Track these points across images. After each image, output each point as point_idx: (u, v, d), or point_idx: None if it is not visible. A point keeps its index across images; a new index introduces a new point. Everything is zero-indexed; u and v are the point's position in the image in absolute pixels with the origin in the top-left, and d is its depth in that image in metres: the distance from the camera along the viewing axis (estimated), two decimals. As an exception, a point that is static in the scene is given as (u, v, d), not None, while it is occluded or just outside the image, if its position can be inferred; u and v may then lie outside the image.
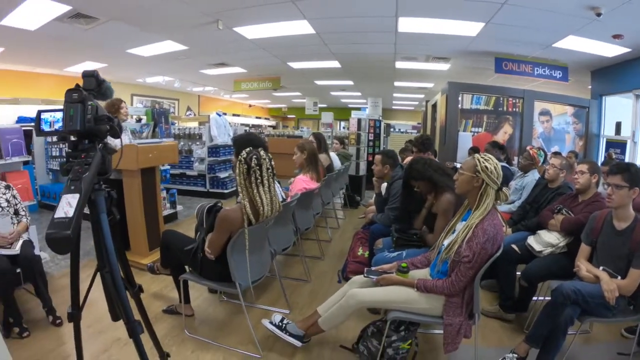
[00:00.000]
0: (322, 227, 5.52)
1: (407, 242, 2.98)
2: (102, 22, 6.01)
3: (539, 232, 3.10)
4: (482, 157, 2.15)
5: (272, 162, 2.57)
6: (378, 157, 3.88)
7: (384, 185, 3.86)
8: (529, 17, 5.22)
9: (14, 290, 2.76)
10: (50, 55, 8.47)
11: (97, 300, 1.59)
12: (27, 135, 6.52)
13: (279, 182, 3.46)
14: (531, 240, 3.06)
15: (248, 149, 2.52)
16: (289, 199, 3.48)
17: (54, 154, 6.77)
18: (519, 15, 5.16)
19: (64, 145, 6.49)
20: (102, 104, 1.59)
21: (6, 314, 2.69)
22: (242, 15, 5.79)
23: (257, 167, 2.46)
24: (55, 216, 1.19)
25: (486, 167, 2.10)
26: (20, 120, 8.52)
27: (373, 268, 2.45)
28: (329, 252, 4.80)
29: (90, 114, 1.42)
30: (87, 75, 1.49)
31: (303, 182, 4.01)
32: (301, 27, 6.23)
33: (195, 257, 2.66)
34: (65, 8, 5.40)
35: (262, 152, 2.53)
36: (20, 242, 2.98)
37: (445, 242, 2.25)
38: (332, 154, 5.99)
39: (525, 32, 5.86)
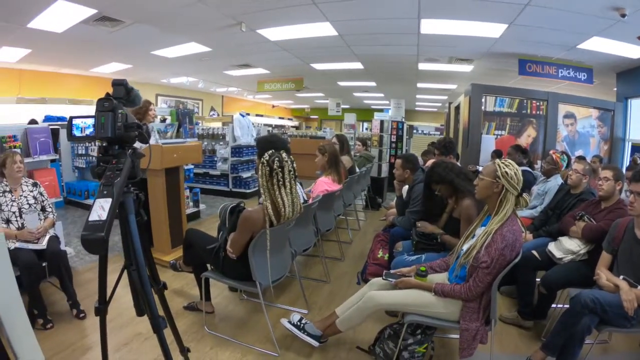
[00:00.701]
0: (343, 229, 5.54)
1: (426, 246, 2.98)
2: (127, 24, 6.14)
3: (560, 238, 3.06)
4: (502, 163, 2.15)
5: (294, 165, 2.63)
6: (399, 161, 3.88)
7: (405, 188, 3.88)
8: (553, 18, 5.15)
9: (40, 283, 2.87)
10: (77, 57, 8.64)
11: (119, 296, 1.66)
12: (54, 133, 6.76)
13: (300, 184, 3.50)
14: (552, 247, 3.02)
15: (271, 151, 2.56)
16: (310, 201, 3.52)
17: (79, 152, 6.97)
18: (543, 17, 5.09)
19: (89, 144, 6.67)
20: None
21: (31, 305, 2.78)
22: (265, 18, 5.84)
23: (280, 170, 2.50)
24: (90, 219, 1.27)
25: (506, 172, 2.10)
26: (47, 119, 8.70)
27: (392, 271, 2.48)
28: (349, 253, 4.83)
29: (120, 121, 1.49)
30: (116, 84, 1.56)
31: (324, 184, 4.05)
32: (324, 29, 6.26)
33: (217, 255, 2.72)
34: (91, 11, 5.53)
35: (284, 155, 2.57)
36: (47, 237, 3.11)
37: (464, 247, 2.25)
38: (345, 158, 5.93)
39: (548, 34, 5.77)
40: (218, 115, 16.41)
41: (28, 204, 3.17)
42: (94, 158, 6.56)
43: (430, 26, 5.85)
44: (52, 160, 6.59)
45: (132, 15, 5.82)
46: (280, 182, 2.52)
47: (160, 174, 4.09)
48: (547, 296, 2.92)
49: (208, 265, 2.94)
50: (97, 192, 1.35)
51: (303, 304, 3.36)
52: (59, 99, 9.91)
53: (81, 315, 2.95)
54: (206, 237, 3.03)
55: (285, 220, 2.62)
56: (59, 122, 8.53)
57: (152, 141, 4.42)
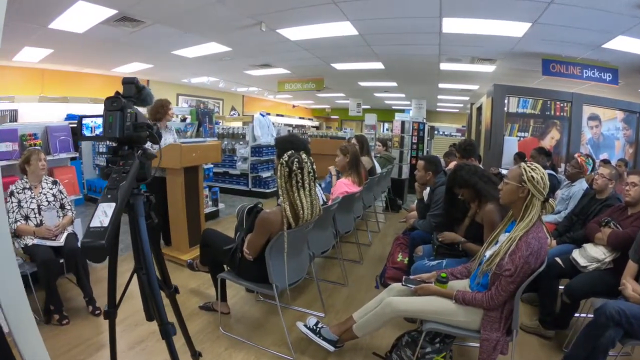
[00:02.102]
0: (363, 231, 5.47)
1: (447, 251, 2.92)
2: (147, 25, 6.21)
3: (584, 245, 2.95)
4: (528, 167, 2.07)
5: (314, 166, 2.59)
6: (421, 162, 3.80)
7: (427, 190, 3.81)
8: (577, 17, 4.99)
9: (57, 279, 2.92)
10: (98, 57, 8.76)
11: (136, 293, 1.64)
12: (75, 132, 6.89)
13: (320, 185, 3.47)
14: (576, 254, 2.91)
15: (290, 152, 2.54)
16: (330, 202, 3.49)
17: (100, 150, 7.12)
18: (567, 15, 4.94)
19: (109, 142, 6.72)
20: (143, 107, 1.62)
21: (48, 301, 2.84)
22: (284, 17, 5.83)
23: (299, 171, 2.47)
24: (91, 225, 1.21)
25: (532, 177, 2.02)
26: (69, 117, 8.90)
27: (411, 277, 2.42)
28: (368, 256, 4.76)
29: (129, 121, 1.45)
30: (126, 82, 1.51)
31: (345, 186, 4.00)
32: (344, 29, 6.20)
33: (234, 256, 2.71)
34: (111, 12, 5.60)
35: (303, 156, 2.54)
36: (65, 234, 3.17)
37: (487, 254, 2.18)
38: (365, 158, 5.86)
39: (573, 33, 5.60)
40: (239, 115, 16.48)
41: (47, 201, 3.23)
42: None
43: (452, 25, 5.75)
44: (73, 158, 6.80)
45: (152, 16, 5.88)
46: (300, 184, 2.48)
47: (179, 173, 4.11)
48: (570, 305, 2.81)
49: (225, 266, 2.93)
50: (102, 196, 1.30)
51: (320, 307, 3.32)
52: (81, 98, 10.11)
53: (97, 312, 2.99)
54: (223, 237, 3.02)
55: (304, 222, 2.58)
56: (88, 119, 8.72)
57: (171, 140, 4.55)
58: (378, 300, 2.42)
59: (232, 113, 16.32)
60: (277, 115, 18.99)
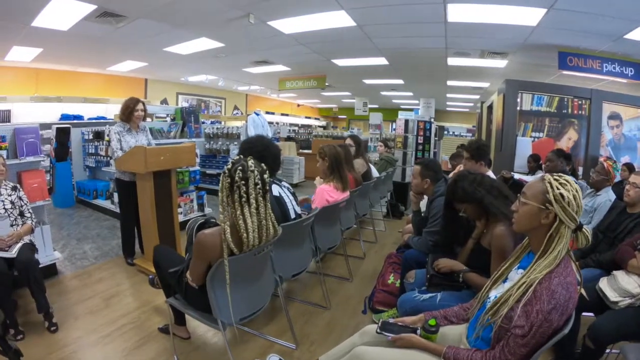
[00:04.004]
0: (356, 241, 4.94)
1: (443, 282, 2.31)
2: (130, 20, 5.98)
3: (614, 273, 2.38)
4: (554, 180, 1.48)
5: (266, 175, 2.02)
6: (416, 168, 3.18)
7: (425, 200, 3.25)
8: (597, 1, 4.45)
9: (10, 294, 2.73)
10: (89, 55, 8.60)
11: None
12: (65, 132, 6.60)
13: (293, 193, 2.95)
14: (604, 284, 2.35)
15: (236, 158, 2.02)
16: (309, 213, 2.98)
17: (90, 151, 6.89)
18: (586, -1, 4.37)
19: (98, 143, 6.60)
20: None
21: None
22: (273, 8, 5.40)
23: (242, 182, 1.92)
24: None
25: (561, 195, 1.44)
26: (64, 117, 8.96)
27: (391, 320, 1.82)
28: (359, 271, 4.19)
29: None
30: None
31: (325, 193, 3.45)
32: (339, 19, 5.71)
33: (180, 281, 2.23)
34: (91, 7, 5.40)
35: (250, 162, 1.97)
36: (19, 245, 2.91)
37: (492, 295, 1.62)
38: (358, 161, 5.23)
39: (592, 20, 5.01)
40: (242, 114, 16.16)
41: (4, 208, 3.00)
42: (103, 157, 6.46)
43: (457, 12, 5.18)
44: (63, 160, 6.49)
45: (132, 10, 5.65)
46: (243, 199, 1.92)
47: (147, 177, 3.71)
48: (594, 350, 2.20)
49: None
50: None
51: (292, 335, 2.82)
52: (75, 97, 10.02)
53: (52, 328, 2.79)
54: (173, 257, 2.56)
55: (250, 248, 2.00)
56: (74, 121, 8.50)
57: (144, 142, 4.12)
58: (349, 345, 1.85)
59: (235, 112, 16.09)
60: (282, 114, 18.60)
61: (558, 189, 1.45)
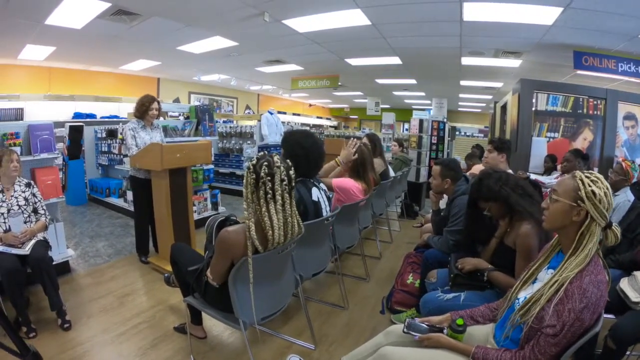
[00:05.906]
0: (372, 241, 4.89)
1: (467, 282, 2.27)
2: (144, 18, 5.99)
3: (635, 273, 2.33)
4: (586, 178, 1.46)
5: (291, 172, 1.99)
6: (436, 168, 3.13)
7: (444, 199, 3.21)
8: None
9: (22, 291, 2.73)
10: (102, 54, 8.60)
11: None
12: (78, 130, 6.64)
13: (328, 197, 2.89)
14: (624, 285, 2.30)
15: (261, 154, 1.98)
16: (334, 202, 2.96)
17: (103, 149, 6.91)
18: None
19: (111, 141, 6.61)
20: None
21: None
22: (288, 6, 5.37)
23: (268, 178, 1.88)
24: None
25: (593, 192, 1.42)
26: (76, 115, 9.01)
27: (417, 320, 1.79)
28: (375, 272, 4.14)
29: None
30: None
31: (353, 189, 3.44)
32: (355, 18, 5.67)
33: (199, 279, 2.20)
34: (105, 5, 5.40)
35: (276, 158, 1.94)
36: (33, 242, 2.90)
37: (521, 296, 1.58)
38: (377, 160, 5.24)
39: (608, 19, 4.94)
40: (254, 113, 16.17)
41: (18, 205, 3.00)
42: (116, 155, 6.46)
43: (474, 11, 5.13)
44: (75, 158, 6.54)
45: (147, 7, 5.63)
46: (269, 195, 1.88)
47: (162, 175, 3.71)
48: (614, 351, 2.15)
49: None
50: None
51: (311, 335, 2.78)
52: (87, 96, 10.07)
53: (65, 325, 2.78)
54: (192, 254, 2.54)
55: (275, 246, 1.97)
56: (87, 119, 8.57)
57: (157, 139, 4.12)
58: (373, 345, 1.82)
59: (246, 112, 16.11)
60: (294, 114, 18.59)
61: (590, 186, 1.43)
